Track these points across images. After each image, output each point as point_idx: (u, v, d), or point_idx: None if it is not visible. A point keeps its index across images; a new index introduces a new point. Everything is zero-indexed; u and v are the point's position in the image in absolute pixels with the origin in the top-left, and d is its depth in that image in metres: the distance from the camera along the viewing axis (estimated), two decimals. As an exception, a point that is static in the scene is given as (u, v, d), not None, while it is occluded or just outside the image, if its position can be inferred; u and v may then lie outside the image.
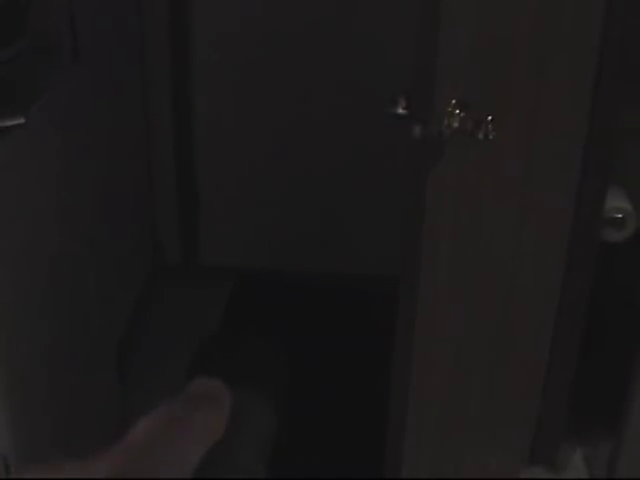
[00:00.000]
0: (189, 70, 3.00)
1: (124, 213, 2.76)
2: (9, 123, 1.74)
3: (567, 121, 1.86)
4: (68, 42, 2.05)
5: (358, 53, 2.89)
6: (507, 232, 1.90)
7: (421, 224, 1.59)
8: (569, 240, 2.03)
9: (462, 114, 1.51)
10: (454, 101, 1.51)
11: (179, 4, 2.92)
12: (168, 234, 3.17)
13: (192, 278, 3.16)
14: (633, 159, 2.16)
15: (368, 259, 3.10)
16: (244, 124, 3.06)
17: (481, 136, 1.49)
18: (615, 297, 2.38)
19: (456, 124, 1.51)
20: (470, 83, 1.57)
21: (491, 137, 1.49)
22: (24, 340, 1.91)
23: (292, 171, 3.09)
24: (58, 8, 2.04)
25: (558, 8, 1.72)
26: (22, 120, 1.77)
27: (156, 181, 3.10)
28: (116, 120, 2.64)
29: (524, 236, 1.94)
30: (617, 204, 2.11)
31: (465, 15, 1.53)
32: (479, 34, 1.58)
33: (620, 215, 2.09)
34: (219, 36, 2.94)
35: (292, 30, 2.91)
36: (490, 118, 1.49)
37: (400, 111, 1.54)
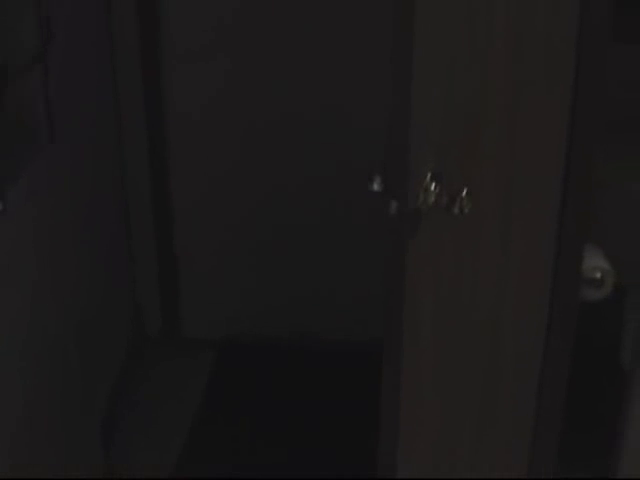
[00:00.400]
0: (166, 135, 3.01)
1: (104, 284, 2.76)
2: (-14, 209, 1.75)
3: (542, 186, 1.87)
4: (44, 123, 2.06)
5: (342, 122, 2.92)
6: (487, 300, 1.91)
7: (402, 301, 1.60)
8: (549, 303, 2.03)
9: (437, 189, 1.52)
10: (429, 175, 1.53)
11: (154, 74, 2.94)
12: (149, 305, 3.16)
13: (174, 349, 3.15)
14: (607, 216, 2.18)
15: (355, 324, 3.11)
16: (223, 190, 3.07)
17: (457, 210, 1.50)
18: (597, 356, 2.39)
19: (432, 199, 1.52)
20: (443, 157, 1.59)
21: (466, 211, 1.50)
22: (3, 414, 1.90)
23: (273, 237, 3.09)
24: (33, 89, 2.05)
25: (527, 76, 1.74)
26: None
27: (136, 251, 3.10)
28: (94, 191, 2.64)
29: (504, 303, 1.94)
30: (595, 263, 2.12)
31: (436, 91, 1.55)
32: (450, 109, 1.60)
33: (598, 274, 2.10)
34: (196, 106, 2.96)
35: (272, 100, 2.94)
36: (465, 192, 1.50)
37: (376, 188, 1.55)
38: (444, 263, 1.73)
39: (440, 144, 1.58)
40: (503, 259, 1.89)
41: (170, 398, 2.86)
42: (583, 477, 2.45)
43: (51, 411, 2.18)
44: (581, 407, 2.40)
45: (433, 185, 1.53)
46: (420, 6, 1.49)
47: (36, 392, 2.08)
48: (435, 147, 1.57)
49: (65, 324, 2.29)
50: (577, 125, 1.89)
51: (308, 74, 2.89)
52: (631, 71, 2.70)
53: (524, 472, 2.32)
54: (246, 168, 3.01)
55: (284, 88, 2.91)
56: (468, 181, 1.56)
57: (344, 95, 2.89)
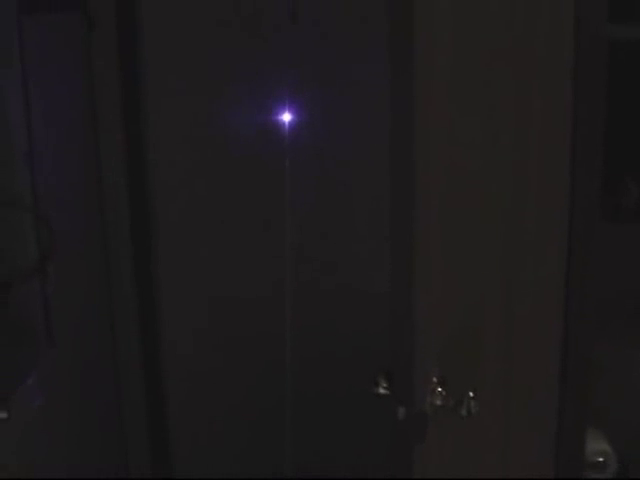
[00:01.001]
0: (160, 343, 3.01)
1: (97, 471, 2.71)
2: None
3: (541, 383, 1.87)
4: (43, 329, 2.08)
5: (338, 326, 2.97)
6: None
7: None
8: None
9: (444, 391, 1.54)
10: (435, 379, 1.54)
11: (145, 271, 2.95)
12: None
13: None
14: (609, 398, 2.19)
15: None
16: (216, 364, 3.05)
17: (464, 412, 1.51)
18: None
19: (439, 401, 1.54)
20: (448, 360, 1.61)
21: (473, 412, 1.52)
22: None
23: (266, 408, 3.07)
24: (32, 296, 2.07)
25: (522, 280, 1.76)
26: (4, 414, 1.78)
27: (128, 430, 3.05)
28: (88, 394, 2.63)
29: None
30: (597, 447, 2.12)
31: (437, 299, 1.58)
32: (451, 313, 1.62)
33: (601, 458, 2.10)
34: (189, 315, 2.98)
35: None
36: (472, 394, 1.51)
37: (381, 391, 1.56)
38: (449, 457, 1.73)
39: (444, 348, 1.60)
40: (507, 450, 1.89)
41: None
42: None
43: None
44: None
45: (440, 388, 1.54)
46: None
47: None
48: (439, 351, 1.59)
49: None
50: (572, 315, 1.92)
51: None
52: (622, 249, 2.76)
53: None
54: (240, 353, 3.02)
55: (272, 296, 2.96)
56: (473, 383, 1.58)
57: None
